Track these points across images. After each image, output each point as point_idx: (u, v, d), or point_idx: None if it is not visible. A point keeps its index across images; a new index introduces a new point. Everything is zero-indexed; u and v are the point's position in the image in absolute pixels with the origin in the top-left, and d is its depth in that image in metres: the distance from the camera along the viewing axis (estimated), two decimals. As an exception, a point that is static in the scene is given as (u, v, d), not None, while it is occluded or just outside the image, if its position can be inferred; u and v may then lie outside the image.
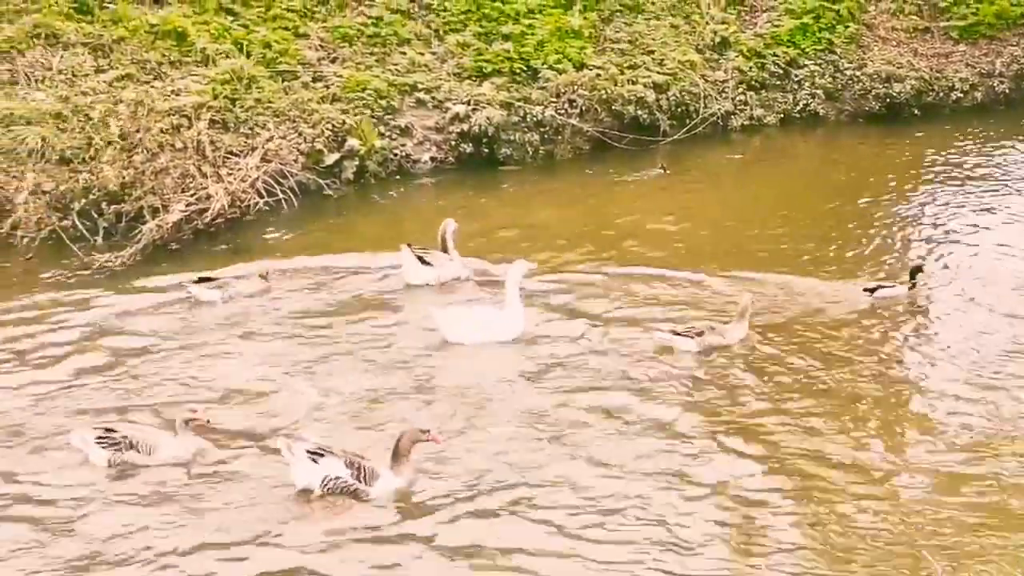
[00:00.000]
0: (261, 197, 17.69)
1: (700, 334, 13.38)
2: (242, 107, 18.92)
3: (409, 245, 15.23)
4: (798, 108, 23.68)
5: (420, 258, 15.19)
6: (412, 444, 10.46)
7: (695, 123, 22.28)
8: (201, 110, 18.33)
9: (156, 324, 13.96)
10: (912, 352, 13.67)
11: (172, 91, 18.72)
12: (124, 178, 16.70)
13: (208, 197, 16.92)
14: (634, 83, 21.88)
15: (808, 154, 22.70)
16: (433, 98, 20.59)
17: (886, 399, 12.35)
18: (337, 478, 10.29)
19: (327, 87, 20.00)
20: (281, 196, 17.95)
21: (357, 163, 19.16)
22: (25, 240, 16.20)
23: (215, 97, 18.72)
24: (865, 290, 15.15)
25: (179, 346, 13.35)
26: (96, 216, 16.60)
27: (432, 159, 20.32)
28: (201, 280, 14.72)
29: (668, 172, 20.48)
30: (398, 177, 19.77)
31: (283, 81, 19.85)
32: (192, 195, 16.92)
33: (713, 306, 14.68)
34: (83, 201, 16.55)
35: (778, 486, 10.59)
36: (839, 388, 12.55)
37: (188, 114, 18.19)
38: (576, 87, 21.44)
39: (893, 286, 15.25)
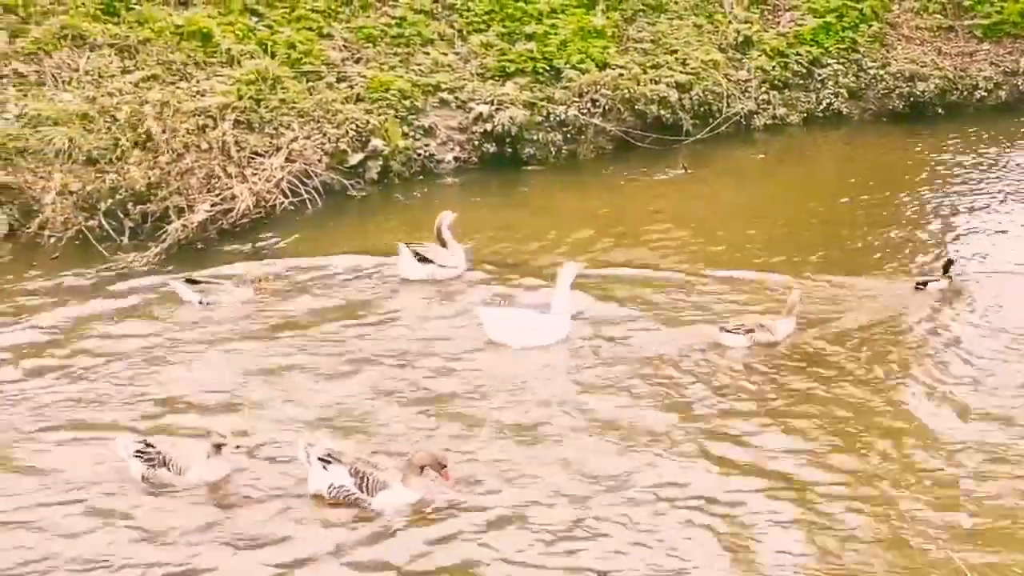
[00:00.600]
0: (286, 197, 17.78)
1: (750, 331, 13.46)
2: (267, 107, 19.04)
3: (408, 244, 15.41)
4: (821, 107, 23.68)
5: (416, 254, 15.33)
6: (425, 463, 10.35)
7: (718, 122, 22.31)
8: (226, 110, 18.44)
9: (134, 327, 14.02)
10: (956, 348, 13.72)
11: (197, 92, 18.83)
12: (150, 178, 16.82)
13: (233, 197, 17.02)
14: (657, 82, 21.92)
15: (831, 153, 22.68)
16: (456, 98, 20.67)
17: (928, 397, 12.45)
18: (340, 486, 10.33)
19: (351, 87, 20.09)
20: (305, 196, 18.05)
21: (381, 163, 19.25)
22: (52, 240, 16.33)
23: (240, 98, 18.84)
24: (918, 284, 15.24)
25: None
26: (122, 216, 16.72)
27: (456, 159, 20.40)
28: (189, 281, 14.70)
29: (690, 172, 20.51)
30: (422, 177, 19.86)
31: (307, 81, 19.95)
32: (217, 195, 17.03)
33: (743, 304, 14.72)
34: (109, 201, 16.66)
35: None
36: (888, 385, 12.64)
37: (213, 115, 18.29)
38: (599, 87, 21.49)
39: (938, 279, 15.33)
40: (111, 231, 16.57)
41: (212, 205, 16.82)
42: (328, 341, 13.60)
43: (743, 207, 19.22)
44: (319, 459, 10.37)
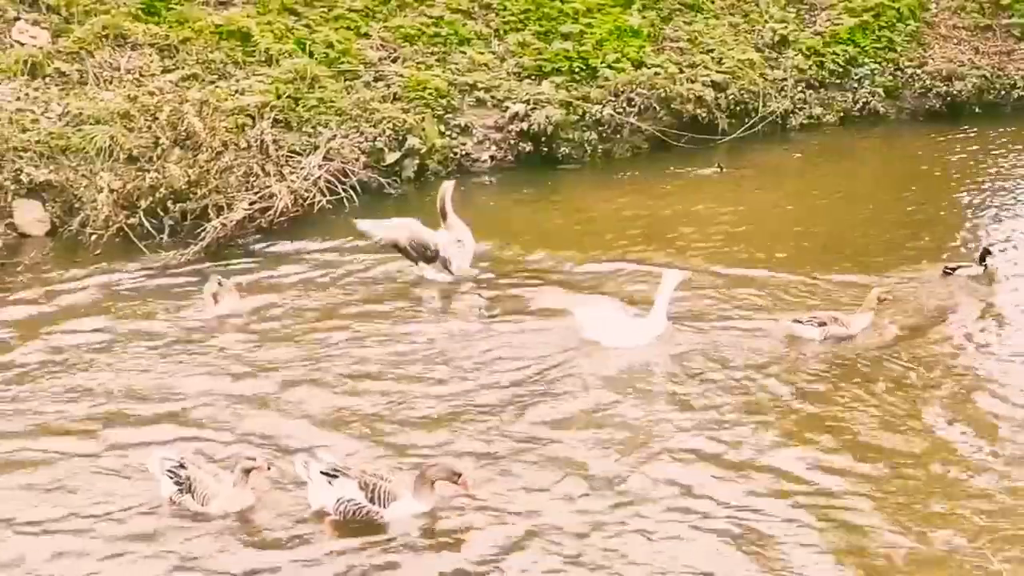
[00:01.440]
0: (323, 195, 17.93)
1: (823, 324, 13.47)
2: (305, 106, 19.22)
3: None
4: (858, 107, 23.63)
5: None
6: (439, 478, 10.04)
7: (754, 122, 22.33)
8: (265, 109, 18.64)
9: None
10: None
11: (236, 91, 19.06)
12: (190, 176, 17.02)
13: (271, 196, 17.19)
14: (693, 82, 21.96)
15: (868, 152, 22.62)
16: (493, 97, 20.79)
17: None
18: (350, 500, 9.96)
19: (388, 86, 20.24)
20: (343, 194, 18.20)
21: (417, 162, 19.38)
22: (93, 237, 16.55)
23: (278, 96, 19.03)
24: (946, 270, 15.29)
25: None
26: (162, 214, 16.92)
27: (492, 158, 20.51)
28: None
29: (724, 171, 20.54)
30: (458, 175, 19.86)
31: (345, 80, 20.12)
32: (256, 193, 17.20)
33: (787, 303, 14.75)
34: (150, 199, 16.87)
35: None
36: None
37: (252, 113, 18.51)
38: (635, 86, 21.54)
39: (971, 266, 15.41)
40: (151, 229, 16.77)
41: (251, 203, 16.98)
42: (376, 339, 13.67)
43: (779, 207, 19.20)
44: (323, 473, 9.99)
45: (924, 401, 12.15)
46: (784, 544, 9.60)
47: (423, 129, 19.56)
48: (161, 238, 16.72)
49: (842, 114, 23.57)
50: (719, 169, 20.61)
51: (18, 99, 17.94)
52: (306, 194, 17.68)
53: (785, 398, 12.19)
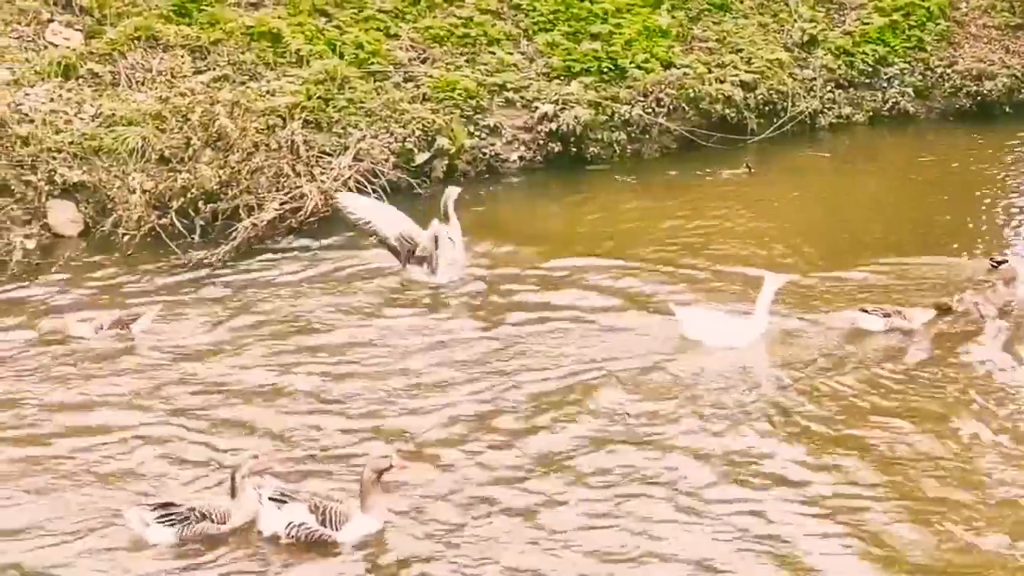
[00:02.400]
0: (353, 195, 18.02)
1: (887, 315, 13.67)
2: (335, 107, 19.31)
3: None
4: (887, 106, 23.56)
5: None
6: (377, 477, 9.92)
7: (783, 122, 22.30)
8: (295, 110, 18.74)
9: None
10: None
11: (267, 92, 19.16)
12: (221, 177, 17.14)
13: (302, 196, 17.29)
14: (722, 82, 21.94)
15: (898, 152, 22.51)
16: (522, 97, 20.83)
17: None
18: (301, 524, 9.80)
19: (417, 87, 20.30)
20: (372, 194, 18.28)
21: (447, 162, 19.44)
22: (125, 238, 16.69)
23: (309, 97, 19.12)
24: (993, 262, 15.30)
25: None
26: (193, 214, 17.04)
27: (521, 158, 20.54)
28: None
29: (753, 172, 20.54)
30: (487, 176, 20.04)
31: (375, 81, 20.18)
32: (286, 194, 17.32)
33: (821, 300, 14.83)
34: (181, 200, 16.99)
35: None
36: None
37: (283, 114, 18.61)
38: (664, 86, 21.54)
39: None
40: (183, 229, 16.89)
41: (281, 204, 17.10)
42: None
43: (808, 206, 19.24)
44: (271, 499, 9.85)
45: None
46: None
47: (452, 130, 19.63)
48: (192, 238, 16.83)
49: (871, 114, 23.48)
50: (748, 169, 20.61)
51: (52, 100, 18.09)
52: (336, 194, 17.74)
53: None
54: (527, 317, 14.44)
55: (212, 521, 9.92)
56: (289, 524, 9.79)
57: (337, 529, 9.81)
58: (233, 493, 10.06)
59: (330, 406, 12.24)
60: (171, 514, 9.85)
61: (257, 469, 10.08)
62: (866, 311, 13.81)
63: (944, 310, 14.05)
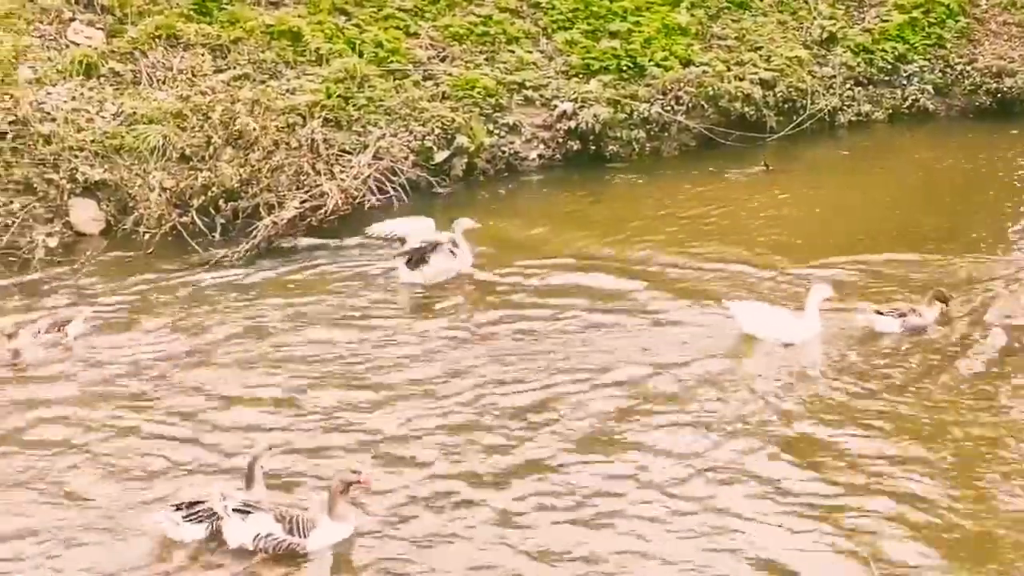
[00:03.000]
0: (373, 194, 18.08)
1: (903, 315, 13.72)
2: (355, 105, 19.38)
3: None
4: (907, 104, 23.51)
5: (408, 258, 15.44)
6: (345, 488, 9.88)
7: (802, 119, 22.28)
8: (315, 108, 18.81)
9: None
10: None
11: (287, 90, 19.25)
12: (241, 175, 17.22)
13: (322, 194, 17.35)
14: (741, 79, 21.95)
15: (917, 150, 22.46)
16: (541, 96, 20.88)
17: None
18: (268, 535, 9.70)
19: (437, 85, 20.37)
20: (392, 193, 18.35)
21: (466, 160, 19.49)
22: (147, 236, 16.78)
23: (328, 96, 19.20)
24: None
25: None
26: (214, 212, 17.13)
27: (540, 156, 20.58)
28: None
29: (771, 169, 20.54)
30: (506, 174, 20.10)
31: (394, 80, 20.25)
32: (306, 192, 17.38)
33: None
34: (202, 198, 17.08)
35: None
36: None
37: (303, 112, 18.69)
38: (683, 84, 21.56)
39: None
40: (203, 227, 16.97)
41: (301, 202, 17.16)
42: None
43: (826, 203, 19.20)
44: (235, 511, 9.72)
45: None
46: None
47: (471, 128, 19.67)
48: (213, 236, 16.91)
49: (891, 111, 23.44)
50: (766, 167, 20.60)
51: (73, 99, 18.20)
52: (356, 193, 17.82)
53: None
54: (546, 313, 14.52)
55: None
56: (256, 535, 9.69)
57: (305, 536, 9.73)
58: (249, 483, 10.20)
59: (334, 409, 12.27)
60: (198, 511, 9.91)
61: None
62: (881, 313, 13.81)
63: (944, 300, 14.01)
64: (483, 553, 9.71)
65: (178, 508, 9.95)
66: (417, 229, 15.76)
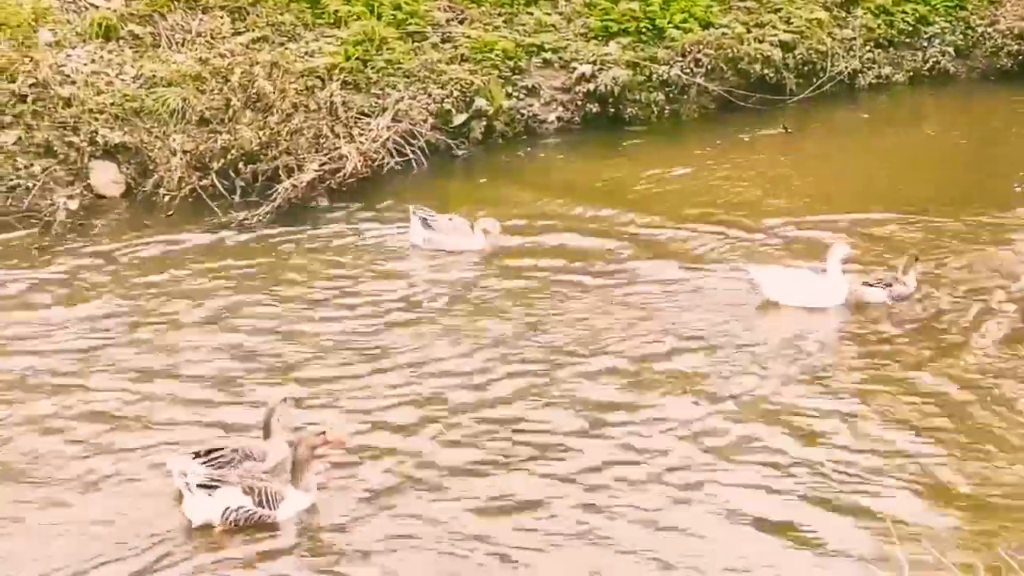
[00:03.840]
0: (392, 157, 18.09)
1: (889, 285, 13.72)
2: (373, 68, 19.35)
3: (416, 210, 15.47)
4: (927, 66, 23.39)
5: (424, 220, 15.32)
6: (311, 452, 9.81)
7: (822, 82, 22.17)
8: (334, 71, 18.80)
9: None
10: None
11: (306, 53, 19.24)
12: (261, 138, 17.24)
13: (341, 157, 17.36)
14: (760, 41, 21.83)
15: (938, 112, 22.45)
16: (560, 58, 20.81)
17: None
18: (239, 508, 9.58)
19: (455, 48, 20.30)
20: (411, 156, 18.35)
21: (485, 123, 19.47)
22: (167, 198, 16.83)
23: (347, 58, 19.18)
24: None
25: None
26: (233, 175, 17.15)
27: (558, 119, 20.54)
28: None
29: (790, 132, 20.47)
30: (525, 137, 20.07)
31: (413, 42, 20.20)
32: (326, 155, 17.40)
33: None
34: (222, 161, 17.11)
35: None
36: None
37: (321, 75, 18.69)
38: (702, 46, 21.46)
39: None
40: (223, 190, 17.01)
41: (320, 165, 17.18)
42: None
43: (844, 166, 19.19)
44: (200, 486, 9.57)
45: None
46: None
47: (490, 91, 19.63)
48: (233, 199, 16.94)
49: (911, 74, 23.33)
50: (785, 130, 20.53)
51: (93, 62, 18.22)
52: (375, 155, 17.83)
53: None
54: (558, 276, 14.63)
55: (254, 459, 10.19)
56: (226, 509, 9.58)
57: (275, 508, 9.70)
58: (266, 434, 10.40)
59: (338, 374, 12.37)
60: (217, 458, 10.09)
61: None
62: (868, 284, 13.75)
63: (913, 260, 13.98)
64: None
65: (196, 455, 10.13)
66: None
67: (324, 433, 9.94)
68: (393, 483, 10.23)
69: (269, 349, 12.72)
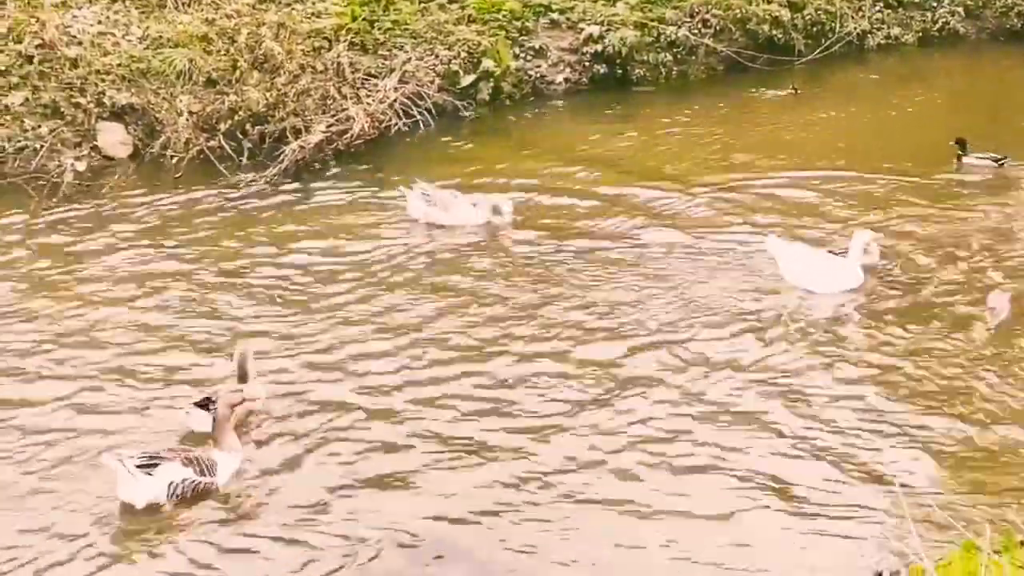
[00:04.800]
0: (399, 118, 18.05)
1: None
2: (380, 29, 19.28)
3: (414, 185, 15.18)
4: (937, 27, 23.28)
5: (423, 195, 14.96)
6: (228, 416, 9.91)
7: (830, 42, 22.07)
8: (340, 32, 18.74)
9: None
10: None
11: (312, 13, 19.17)
12: (268, 100, 17.21)
13: (348, 118, 17.33)
14: (769, 2, 21.73)
15: (948, 73, 22.34)
16: (567, 19, 20.71)
17: None
18: (184, 481, 9.55)
19: (463, 8, 20.21)
20: (418, 117, 18.31)
21: (492, 84, 19.39)
22: (174, 160, 16.82)
23: (354, 19, 19.10)
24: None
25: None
26: (241, 137, 17.14)
27: (566, 80, 20.47)
28: None
29: (799, 92, 20.40)
30: (532, 98, 20.00)
31: (420, 3, 20.11)
32: (333, 116, 17.36)
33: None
34: (229, 122, 17.09)
35: None
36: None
37: (328, 36, 18.62)
38: (710, 6, 21.36)
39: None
40: (231, 151, 16.99)
41: (328, 126, 17.15)
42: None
43: (853, 127, 19.12)
44: (139, 467, 9.44)
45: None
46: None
47: (498, 52, 19.55)
48: (240, 160, 16.92)
49: (921, 34, 23.23)
50: (794, 91, 20.46)
51: (99, 23, 18.16)
52: (382, 117, 17.80)
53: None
54: (566, 243, 14.59)
55: (249, 400, 10.38)
56: (172, 484, 9.53)
57: (215, 475, 9.72)
58: (242, 378, 10.70)
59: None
60: (205, 404, 10.38)
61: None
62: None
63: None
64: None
65: (202, 406, 10.38)
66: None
67: (241, 390, 10.12)
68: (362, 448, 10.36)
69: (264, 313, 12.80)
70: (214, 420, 9.99)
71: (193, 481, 9.59)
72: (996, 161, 16.75)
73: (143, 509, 9.50)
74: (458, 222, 14.90)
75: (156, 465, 9.52)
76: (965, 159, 16.79)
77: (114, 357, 11.76)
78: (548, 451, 10.24)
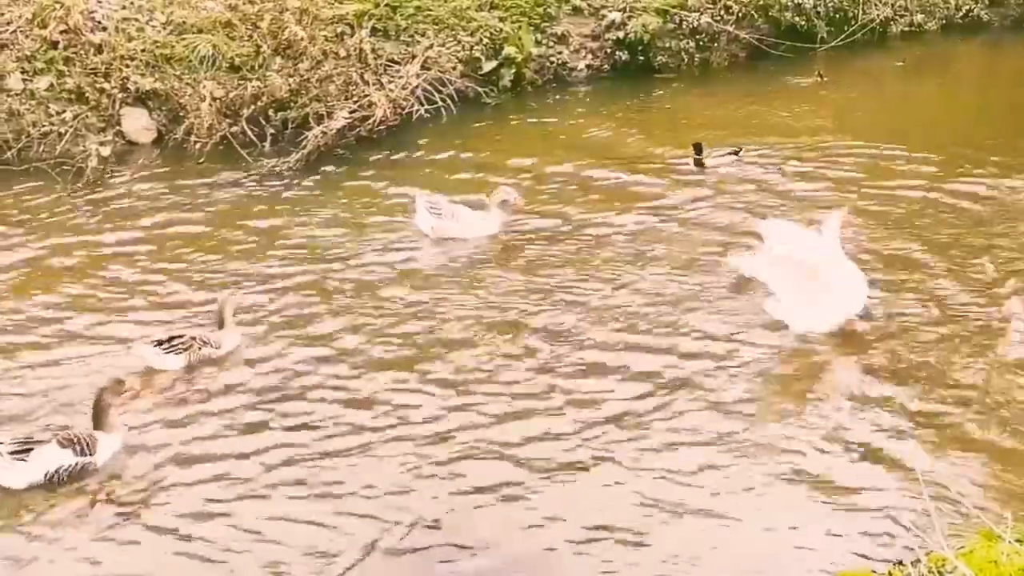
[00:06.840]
0: (421, 105, 18.09)
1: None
2: (402, 15, 19.27)
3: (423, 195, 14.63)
4: (960, 14, 23.19)
5: (431, 207, 14.29)
6: (112, 401, 9.85)
7: (853, 29, 21.99)
8: (363, 18, 18.77)
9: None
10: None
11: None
12: (290, 85, 17.28)
13: (370, 104, 17.38)
14: (791, -12, 21.69)
15: (972, 60, 22.27)
16: (589, 6, 20.67)
17: None
18: (60, 467, 9.46)
19: (485, -6, 20.24)
20: (440, 103, 18.35)
21: (514, 71, 19.40)
22: (198, 145, 16.91)
23: (376, 5, 19.12)
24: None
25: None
26: (263, 122, 17.22)
27: (588, 67, 20.47)
28: None
29: (825, 80, 20.35)
30: (554, 85, 19.99)
31: (442, -12, 20.13)
32: (355, 102, 17.42)
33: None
34: (252, 108, 17.17)
35: None
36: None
37: (351, 22, 18.66)
38: (732, -7, 21.34)
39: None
40: (253, 137, 17.06)
41: (350, 112, 17.21)
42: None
43: (880, 115, 19.05)
44: (11, 453, 9.35)
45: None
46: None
47: (519, 38, 19.56)
48: (263, 146, 16.99)
49: (944, 21, 23.11)
50: (820, 77, 20.40)
51: (124, 8, 18.21)
52: (404, 103, 17.85)
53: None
54: (587, 225, 14.65)
55: (212, 347, 11.30)
56: (48, 469, 9.43)
57: (94, 454, 9.61)
58: (220, 324, 11.53)
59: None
60: (177, 344, 11.13)
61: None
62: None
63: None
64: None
65: (159, 343, 11.13)
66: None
67: (124, 382, 10.07)
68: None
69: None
70: (95, 405, 9.89)
71: (72, 463, 9.49)
72: (734, 153, 16.45)
73: (25, 491, 9.45)
74: (471, 234, 14.31)
75: (31, 449, 9.44)
76: (708, 161, 16.27)
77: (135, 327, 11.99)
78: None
